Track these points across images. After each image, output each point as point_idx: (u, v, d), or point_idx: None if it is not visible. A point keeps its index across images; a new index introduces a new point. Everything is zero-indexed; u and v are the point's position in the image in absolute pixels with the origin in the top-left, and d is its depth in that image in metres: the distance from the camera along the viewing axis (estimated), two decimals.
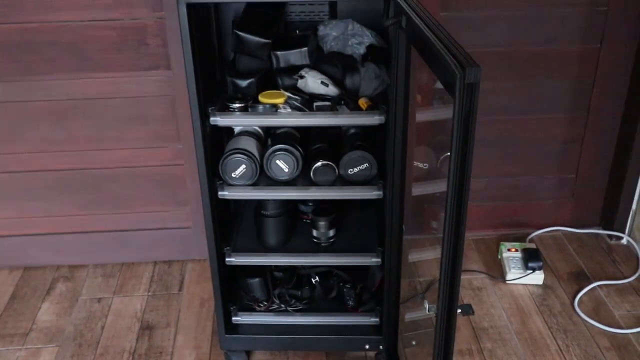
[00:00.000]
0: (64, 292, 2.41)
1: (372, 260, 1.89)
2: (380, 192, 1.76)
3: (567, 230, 2.63)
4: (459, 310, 1.27)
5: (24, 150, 2.31)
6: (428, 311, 1.29)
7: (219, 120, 1.71)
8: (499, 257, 2.47)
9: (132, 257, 2.54)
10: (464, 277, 2.41)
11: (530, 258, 2.37)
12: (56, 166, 2.35)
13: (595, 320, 2.17)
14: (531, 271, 2.35)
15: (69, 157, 2.33)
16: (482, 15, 2.23)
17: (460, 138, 1.08)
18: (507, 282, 2.37)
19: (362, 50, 1.84)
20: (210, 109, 1.71)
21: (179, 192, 2.42)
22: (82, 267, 2.53)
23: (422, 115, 1.99)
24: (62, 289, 2.42)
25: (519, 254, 2.43)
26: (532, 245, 2.50)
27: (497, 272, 2.43)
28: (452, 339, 1.28)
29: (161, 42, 2.14)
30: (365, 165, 1.77)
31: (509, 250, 2.45)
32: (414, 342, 2.03)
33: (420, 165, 1.98)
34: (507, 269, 2.38)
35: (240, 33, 1.73)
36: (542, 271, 2.35)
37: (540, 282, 2.36)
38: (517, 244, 2.49)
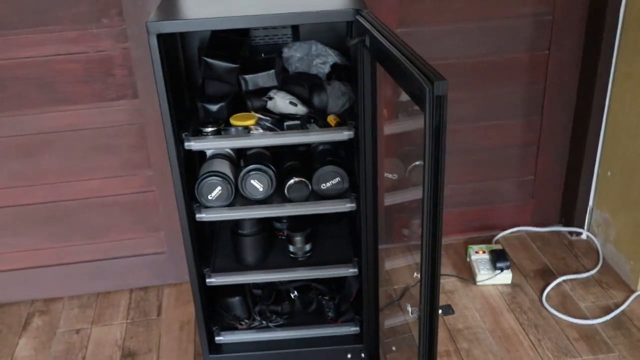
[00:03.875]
0: (41, 325, 2.40)
1: (350, 270, 1.95)
2: (354, 205, 1.83)
3: (530, 230, 2.74)
4: (440, 311, 1.34)
5: None
6: (411, 314, 1.35)
7: (193, 144, 1.76)
8: (468, 259, 2.56)
9: (107, 286, 2.55)
10: None
11: (498, 259, 2.47)
12: (26, 201, 2.35)
13: (563, 314, 2.27)
14: (499, 271, 2.44)
15: (39, 191, 2.33)
16: (437, 29, 2.33)
17: (432, 148, 1.15)
18: (478, 283, 2.45)
19: (326, 69, 1.91)
20: (184, 134, 1.75)
21: (151, 219, 2.44)
22: (58, 299, 2.52)
23: (388, 128, 2.07)
24: (38, 323, 2.41)
25: (486, 256, 2.52)
26: (499, 247, 2.59)
27: (467, 274, 2.51)
28: (434, 340, 1.34)
29: (127, 72, 2.17)
30: (337, 179, 1.83)
31: (476, 252, 2.54)
32: (394, 348, 2.09)
33: (390, 176, 2.06)
34: (476, 271, 2.47)
35: (208, 60, 1.79)
36: (509, 270, 2.45)
37: (509, 282, 2.46)
38: (484, 246, 2.59)
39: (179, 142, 1.74)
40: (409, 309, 1.37)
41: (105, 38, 2.12)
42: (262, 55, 1.98)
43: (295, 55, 1.94)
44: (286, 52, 1.94)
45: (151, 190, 2.38)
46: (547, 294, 2.38)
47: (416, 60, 1.19)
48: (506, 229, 2.74)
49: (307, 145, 2.00)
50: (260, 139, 1.78)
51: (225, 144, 1.83)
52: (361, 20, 1.50)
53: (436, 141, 1.15)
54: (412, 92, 1.21)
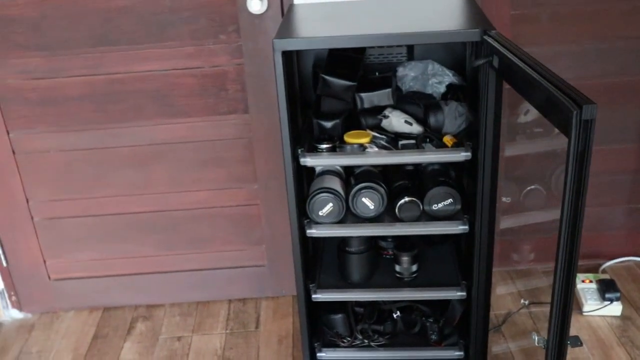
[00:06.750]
0: (144, 331, 2.47)
1: (457, 294, 1.91)
2: (466, 227, 1.79)
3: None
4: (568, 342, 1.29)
5: (107, 194, 2.40)
6: (537, 343, 1.31)
7: (309, 160, 1.77)
8: None
9: (207, 296, 2.60)
10: (539, 309, 2.41)
11: (607, 289, 2.36)
12: (136, 209, 2.43)
13: None
14: (609, 302, 2.33)
15: (149, 200, 2.41)
16: (551, 49, 2.26)
17: (575, 174, 1.11)
18: (584, 314, 2.35)
19: (442, 89, 1.89)
20: (299, 150, 1.77)
21: (254, 232, 2.47)
22: (159, 306, 2.59)
23: (507, 150, 2.03)
24: (142, 328, 2.48)
25: (594, 285, 2.42)
26: (607, 276, 2.48)
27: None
28: None
29: (240, 87, 2.22)
30: (450, 200, 1.80)
31: (583, 281, 2.44)
32: None
33: (503, 199, 2.01)
34: (583, 301, 2.37)
35: (327, 77, 1.81)
36: (619, 302, 2.34)
37: (619, 314, 2.34)
38: (590, 275, 2.48)
39: (294, 158, 1.76)
40: (535, 337, 1.33)
41: (221, 54, 2.18)
42: (377, 73, 1.98)
43: (410, 74, 1.94)
44: (401, 70, 1.94)
45: (255, 204, 2.42)
46: None
47: (559, 83, 1.16)
48: (614, 258, 2.62)
49: (416, 165, 1.98)
50: (377, 157, 1.78)
51: (341, 161, 1.84)
52: (489, 40, 1.48)
53: (580, 167, 1.11)
54: (553, 116, 1.17)
